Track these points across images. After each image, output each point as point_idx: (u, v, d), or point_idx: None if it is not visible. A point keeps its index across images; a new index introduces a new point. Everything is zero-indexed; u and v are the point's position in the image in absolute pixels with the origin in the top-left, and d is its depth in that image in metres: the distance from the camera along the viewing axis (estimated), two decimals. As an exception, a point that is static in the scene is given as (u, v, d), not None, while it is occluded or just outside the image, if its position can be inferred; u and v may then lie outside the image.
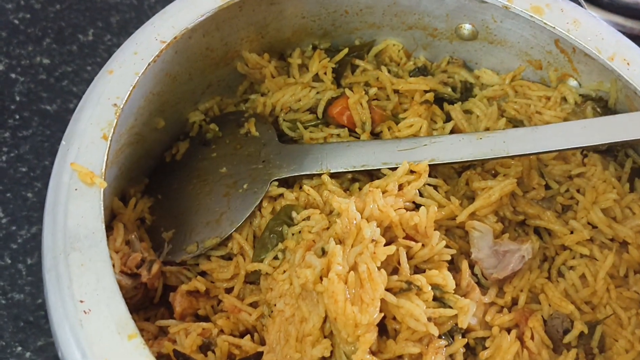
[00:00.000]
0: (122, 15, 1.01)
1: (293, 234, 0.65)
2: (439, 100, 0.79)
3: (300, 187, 0.69)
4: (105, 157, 0.58)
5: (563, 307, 0.65)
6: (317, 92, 0.77)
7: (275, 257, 0.65)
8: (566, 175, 0.73)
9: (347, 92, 0.76)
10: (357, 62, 0.81)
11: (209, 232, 0.68)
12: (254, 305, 0.65)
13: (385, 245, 0.59)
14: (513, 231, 0.70)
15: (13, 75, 0.91)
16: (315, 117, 0.77)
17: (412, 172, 0.66)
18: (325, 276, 0.56)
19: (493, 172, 0.72)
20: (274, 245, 0.66)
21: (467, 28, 0.79)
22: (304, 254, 0.61)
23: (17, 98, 0.90)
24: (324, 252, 0.60)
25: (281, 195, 0.69)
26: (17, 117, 0.88)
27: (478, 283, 0.66)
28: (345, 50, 0.80)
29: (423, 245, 0.62)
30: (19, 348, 0.73)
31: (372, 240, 0.58)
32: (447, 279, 0.60)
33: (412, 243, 0.61)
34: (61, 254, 0.51)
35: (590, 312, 0.66)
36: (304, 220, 0.66)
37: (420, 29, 0.81)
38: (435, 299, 0.59)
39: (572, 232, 0.69)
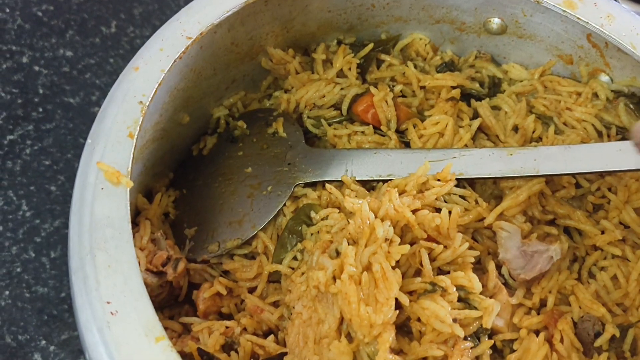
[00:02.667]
0: (144, 7, 1.00)
1: (312, 234, 0.65)
2: (466, 96, 0.78)
3: (324, 186, 0.69)
4: (132, 155, 0.57)
5: (594, 310, 0.64)
6: (342, 88, 0.76)
7: (294, 258, 0.65)
8: (598, 173, 0.71)
9: (372, 89, 0.75)
10: (383, 56, 0.80)
11: (231, 232, 0.67)
12: (276, 304, 0.65)
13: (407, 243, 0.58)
14: (542, 231, 0.68)
15: (36, 68, 0.91)
16: (339, 114, 0.76)
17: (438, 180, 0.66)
18: (339, 277, 0.56)
19: None
20: (293, 246, 0.65)
21: (495, 22, 0.78)
22: (320, 256, 0.60)
23: (41, 91, 0.89)
24: (338, 253, 0.60)
25: (304, 194, 0.69)
26: (41, 110, 0.88)
27: (505, 284, 0.65)
28: (371, 45, 0.79)
29: (445, 247, 0.61)
30: (43, 342, 0.74)
31: (386, 240, 0.57)
32: (472, 281, 0.59)
33: (434, 245, 0.60)
34: (88, 255, 0.51)
35: (622, 314, 0.65)
36: (322, 219, 0.65)
37: (447, 22, 0.80)
38: (460, 300, 0.59)
39: (603, 232, 0.68)
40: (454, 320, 0.57)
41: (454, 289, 0.58)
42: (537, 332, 0.62)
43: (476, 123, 0.75)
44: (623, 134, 0.73)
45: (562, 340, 0.62)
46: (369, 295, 0.55)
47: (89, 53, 0.94)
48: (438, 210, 0.64)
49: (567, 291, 0.66)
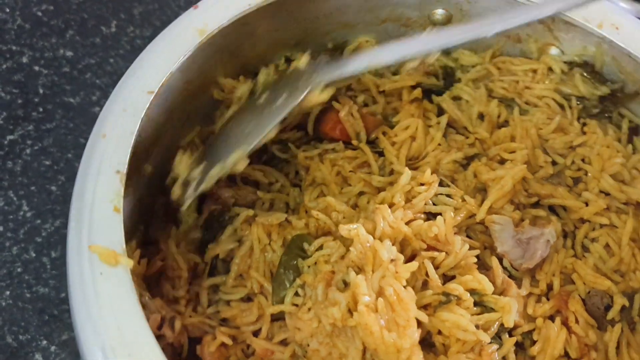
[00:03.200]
0: (145, 7, 1.00)
1: (309, 266, 0.62)
2: (426, 92, 0.77)
3: (307, 212, 0.66)
4: (123, 231, 0.52)
5: (599, 284, 0.64)
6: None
7: (296, 294, 0.61)
8: (568, 147, 0.72)
9: (336, 105, 0.72)
10: None
11: (233, 147, 0.63)
12: (284, 342, 0.62)
13: (408, 260, 0.57)
14: (530, 215, 0.68)
15: (37, 68, 0.91)
16: (304, 134, 0.74)
17: (421, 184, 0.65)
18: (353, 309, 0.54)
19: (499, 159, 0.71)
20: (291, 282, 0.62)
21: (440, 13, 0.78)
22: (326, 290, 0.58)
23: (41, 91, 0.89)
24: (345, 284, 0.57)
25: (289, 223, 0.66)
26: (41, 109, 0.88)
27: (510, 276, 0.64)
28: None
29: (447, 253, 0.60)
30: (44, 342, 0.74)
31: (392, 260, 0.56)
32: (482, 282, 0.58)
33: (436, 253, 0.60)
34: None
35: (622, 280, 0.65)
36: (317, 250, 0.62)
37: (393, 21, 0.79)
38: (474, 304, 0.58)
39: (587, 204, 0.68)
40: (476, 326, 0.56)
41: (468, 294, 0.57)
42: (551, 318, 0.62)
43: (444, 119, 0.74)
44: (583, 103, 0.75)
45: (577, 321, 0.62)
46: (389, 321, 0.53)
47: (89, 53, 0.94)
48: (429, 215, 0.64)
49: (568, 270, 0.66)
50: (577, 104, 0.75)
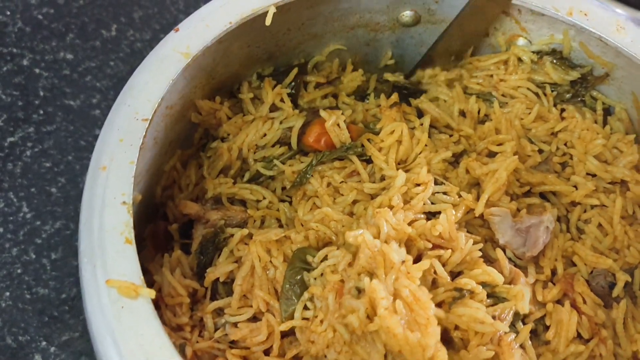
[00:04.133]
0: (144, 11, 1.01)
1: (315, 278, 0.61)
2: (403, 97, 0.78)
3: (303, 225, 0.66)
4: (138, 262, 0.52)
5: (601, 263, 0.66)
6: (280, 122, 0.73)
7: (306, 307, 0.61)
8: (550, 133, 0.75)
9: (322, 114, 0.72)
10: (309, 78, 0.79)
11: None
12: (296, 358, 0.61)
13: (415, 260, 0.57)
14: (524, 204, 0.70)
15: (37, 71, 0.91)
16: (287, 149, 0.73)
17: (417, 184, 0.65)
18: (372, 315, 0.54)
19: (487, 152, 0.72)
20: (299, 296, 0.61)
21: (408, 15, 0.79)
22: (338, 299, 0.58)
23: (41, 93, 0.90)
24: (359, 291, 0.57)
25: (287, 238, 0.65)
26: (42, 112, 0.88)
27: (515, 266, 0.65)
28: (295, 71, 0.77)
29: (452, 250, 0.61)
30: (44, 343, 0.74)
31: (402, 262, 0.56)
32: (492, 274, 0.59)
33: (441, 251, 0.60)
34: None
35: (619, 257, 0.67)
36: (322, 261, 0.62)
37: (362, 27, 0.80)
38: (487, 296, 0.59)
39: (576, 188, 0.70)
40: (493, 317, 0.57)
41: (480, 287, 0.58)
42: (558, 302, 0.64)
43: (427, 120, 0.74)
44: (556, 89, 0.77)
45: (584, 302, 0.64)
46: (410, 322, 0.53)
47: (89, 56, 0.95)
48: (428, 215, 0.64)
49: (568, 253, 0.68)
50: (552, 92, 0.77)
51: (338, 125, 0.71)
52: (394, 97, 0.76)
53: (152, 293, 0.50)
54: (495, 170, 0.67)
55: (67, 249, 0.80)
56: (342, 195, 0.68)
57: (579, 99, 0.78)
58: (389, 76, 0.82)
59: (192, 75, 0.68)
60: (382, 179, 0.69)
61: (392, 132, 0.71)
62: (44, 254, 0.79)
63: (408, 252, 0.59)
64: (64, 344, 0.74)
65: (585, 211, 0.70)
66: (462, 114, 0.76)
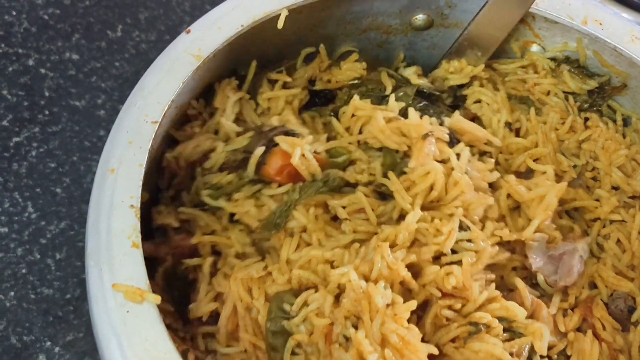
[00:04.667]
0: (150, 12, 1.01)
1: (298, 325, 0.56)
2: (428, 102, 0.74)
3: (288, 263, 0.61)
4: (144, 267, 0.52)
5: (622, 286, 0.64)
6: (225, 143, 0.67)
7: (294, 353, 0.56)
8: (577, 145, 0.73)
9: (284, 147, 0.63)
10: (275, 76, 0.73)
11: None
12: None
13: (420, 306, 0.55)
14: (557, 225, 0.66)
15: (43, 71, 0.91)
16: (237, 178, 0.64)
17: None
18: None
19: (522, 170, 0.69)
20: (284, 346, 0.56)
21: (421, 18, 0.79)
22: (328, 346, 0.55)
23: (47, 93, 0.90)
24: (347, 339, 0.54)
25: (269, 274, 0.60)
26: (47, 112, 0.88)
27: (544, 294, 0.63)
28: (254, 64, 0.71)
29: (465, 299, 0.57)
30: (48, 343, 0.74)
31: (387, 305, 0.53)
32: (511, 309, 0.56)
33: (452, 300, 0.57)
34: None
35: (634, 275, 0.65)
36: (302, 308, 0.57)
37: (374, 29, 0.80)
38: (503, 330, 0.56)
39: (598, 201, 0.68)
40: (511, 354, 0.54)
41: (497, 321, 0.55)
42: (579, 329, 0.61)
43: (465, 154, 0.65)
44: (575, 98, 0.76)
45: (604, 327, 0.61)
46: None
47: (94, 56, 0.95)
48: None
49: (593, 277, 0.65)
50: (575, 103, 0.75)
51: (304, 156, 0.63)
52: (425, 123, 0.64)
53: (157, 298, 0.50)
54: (543, 195, 0.63)
55: (71, 250, 0.80)
56: (341, 233, 0.61)
57: (595, 108, 0.76)
58: (411, 77, 0.76)
59: (201, 77, 0.67)
60: (401, 217, 0.60)
61: (426, 173, 0.61)
62: (49, 254, 0.79)
63: (413, 297, 0.56)
64: (68, 344, 0.74)
65: (604, 226, 0.68)
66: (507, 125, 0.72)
